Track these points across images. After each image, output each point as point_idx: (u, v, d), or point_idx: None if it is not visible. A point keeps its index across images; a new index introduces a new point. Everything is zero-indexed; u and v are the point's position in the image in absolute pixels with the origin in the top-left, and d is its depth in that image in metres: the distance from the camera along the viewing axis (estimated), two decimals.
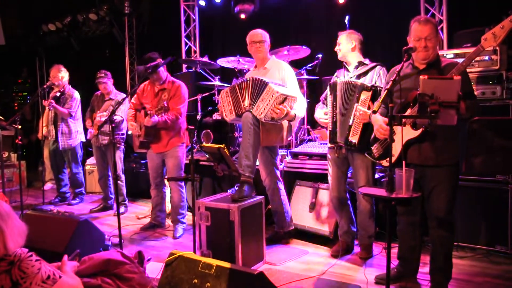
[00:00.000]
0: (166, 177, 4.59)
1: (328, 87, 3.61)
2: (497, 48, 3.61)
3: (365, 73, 3.51)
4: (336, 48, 3.62)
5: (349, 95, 3.45)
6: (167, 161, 4.45)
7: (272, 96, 3.49)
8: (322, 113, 3.71)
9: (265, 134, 3.70)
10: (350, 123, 3.40)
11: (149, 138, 4.37)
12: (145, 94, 4.50)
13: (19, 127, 4.89)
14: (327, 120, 3.61)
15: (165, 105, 4.11)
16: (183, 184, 4.56)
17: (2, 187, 5.47)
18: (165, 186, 4.74)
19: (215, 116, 5.19)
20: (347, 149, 3.51)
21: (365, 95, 3.33)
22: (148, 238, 4.38)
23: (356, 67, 3.56)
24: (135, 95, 4.60)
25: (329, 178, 3.74)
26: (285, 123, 3.85)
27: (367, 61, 3.58)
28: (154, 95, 4.41)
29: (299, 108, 3.78)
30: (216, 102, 5.71)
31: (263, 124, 3.67)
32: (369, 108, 3.26)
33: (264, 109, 3.52)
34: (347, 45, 3.56)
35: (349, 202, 3.77)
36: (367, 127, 3.26)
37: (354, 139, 3.36)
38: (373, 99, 3.28)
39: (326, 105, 3.70)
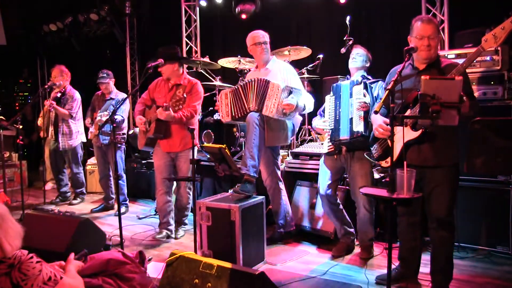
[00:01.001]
0: (168, 177, 4.40)
1: (331, 89, 3.65)
2: (499, 48, 3.60)
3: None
4: (355, 56, 3.62)
5: (345, 93, 3.51)
6: (180, 164, 4.23)
7: (278, 90, 3.54)
8: (321, 122, 3.72)
9: (270, 134, 3.73)
10: (351, 116, 3.42)
11: (159, 135, 4.12)
12: (158, 89, 4.31)
13: (20, 127, 4.89)
14: (325, 126, 3.62)
15: (184, 96, 3.85)
16: (191, 186, 4.29)
17: (4, 187, 5.48)
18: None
19: (216, 116, 5.19)
20: (348, 148, 3.49)
21: (357, 89, 3.41)
22: (149, 238, 4.37)
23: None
24: (146, 91, 4.43)
25: (319, 186, 3.74)
26: (289, 123, 3.88)
27: (369, 77, 3.62)
28: (168, 90, 4.22)
29: (307, 100, 3.83)
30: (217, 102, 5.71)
31: (269, 124, 3.69)
32: (364, 96, 3.35)
33: (273, 105, 3.56)
34: (364, 62, 3.62)
35: (341, 207, 3.79)
36: (368, 115, 3.30)
37: (359, 128, 3.35)
38: (365, 89, 3.37)
39: (324, 117, 3.72)
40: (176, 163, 4.27)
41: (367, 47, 3.69)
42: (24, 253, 2.06)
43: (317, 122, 3.78)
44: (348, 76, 3.71)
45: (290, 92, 3.65)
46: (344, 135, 3.46)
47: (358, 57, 3.62)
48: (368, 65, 3.66)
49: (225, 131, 5.11)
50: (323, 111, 3.77)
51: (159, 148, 4.27)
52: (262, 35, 3.98)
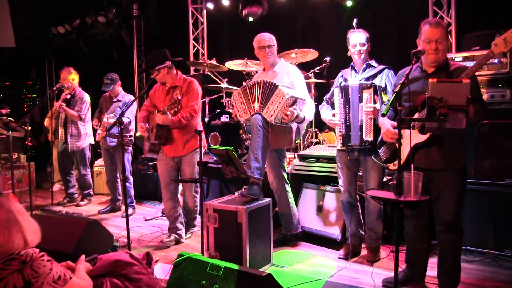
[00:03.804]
0: (175, 179, 4.34)
1: (338, 89, 3.56)
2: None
3: (373, 76, 3.51)
4: (360, 48, 3.51)
5: (355, 97, 3.47)
6: (184, 168, 4.17)
7: (282, 98, 3.51)
8: (330, 114, 3.64)
9: (274, 137, 3.72)
10: (361, 124, 3.41)
11: (161, 140, 4.06)
12: (157, 95, 4.27)
13: (29, 128, 4.93)
14: (336, 121, 3.59)
15: (179, 98, 3.83)
16: (198, 190, 4.32)
17: (12, 188, 5.53)
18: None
19: (223, 118, 5.20)
20: (360, 151, 3.49)
21: (367, 93, 3.38)
22: (156, 239, 4.39)
23: (364, 70, 3.56)
24: (147, 98, 4.40)
25: (340, 181, 3.73)
26: (294, 126, 3.87)
27: (373, 62, 3.59)
28: (165, 94, 4.18)
29: (308, 111, 3.79)
30: (224, 104, 5.73)
31: (272, 127, 3.69)
32: (374, 102, 3.33)
33: (274, 111, 3.54)
34: (367, 50, 3.55)
35: (358, 204, 3.77)
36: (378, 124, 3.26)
37: (369, 137, 3.36)
38: (375, 93, 3.35)
39: (331, 105, 3.69)
40: (180, 167, 4.23)
41: (373, 50, 3.66)
42: (36, 251, 2.09)
43: (326, 114, 3.69)
44: (352, 64, 3.64)
45: (294, 102, 3.61)
46: (355, 142, 3.46)
47: (362, 48, 3.50)
48: (369, 48, 3.57)
49: (232, 133, 5.13)
50: (330, 98, 3.71)
51: (163, 154, 4.20)
52: (267, 39, 3.97)
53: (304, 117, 3.72)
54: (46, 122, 6.03)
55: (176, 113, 3.94)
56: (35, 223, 2.20)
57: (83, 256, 2.49)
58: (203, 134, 4.08)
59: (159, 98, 4.25)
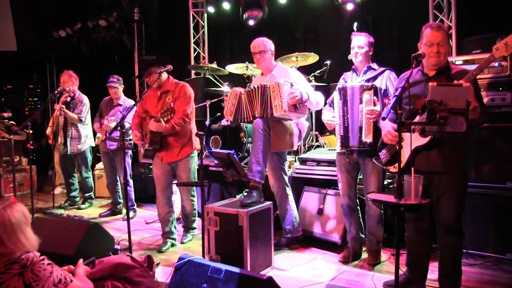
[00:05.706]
0: (175, 182, 4.37)
1: (337, 91, 3.59)
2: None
3: (374, 78, 3.51)
4: (357, 51, 3.53)
5: (355, 98, 3.46)
6: (180, 173, 4.19)
7: (279, 87, 3.55)
8: (330, 115, 3.64)
9: (276, 140, 3.73)
10: (360, 125, 3.41)
11: (155, 146, 4.04)
12: (148, 101, 4.23)
13: (30, 132, 4.94)
14: (335, 122, 3.59)
15: (171, 106, 3.87)
16: (195, 193, 4.36)
17: (13, 191, 5.54)
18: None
19: (224, 121, 5.21)
20: (359, 153, 3.49)
21: (367, 94, 3.37)
22: (157, 242, 4.39)
23: (365, 72, 3.57)
24: (139, 104, 4.32)
25: (339, 184, 3.73)
26: (295, 128, 3.88)
27: (375, 65, 3.59)
28: (157, 100, 4.15)
29: (313, 93, 3.80)
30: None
31: (274, 130, 3.69)
32: (374, 104, 3.31)
33: (281, 103, 3.55)
34: (367, 53, 3.55)
35: (358, 207, 3.77)
36: (378, 126, 3.25)
37: (368, 138, 3.35)
38: (376, 95, 3.33)
39: (333, 108, 3.70)
40: (175, 172, 4.23)
41: (373, 53, 3.66)
42: (37, 255, 2.11)
43: (327, 115, 3.69)
44: (353, 67, 3.65)
45: (291, 85, 3.64)
46: (353, 143, 3.46)
47: (360, 51, 3.53)
48: (371, 52, 3.58)
49: (233, 137, 5.13)
50: (332, 101, 3.72)
51: (158, 159, 4.19)
52: (261, 44, 3.96)
53: (308, 95, 3.70)
54: (48, 130, 6.03)
55: (169, 120, 3.93)
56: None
57: (81, 260, 2.50)
58: (194, 137, 4.11)
59: (151, 103, 4.21)
